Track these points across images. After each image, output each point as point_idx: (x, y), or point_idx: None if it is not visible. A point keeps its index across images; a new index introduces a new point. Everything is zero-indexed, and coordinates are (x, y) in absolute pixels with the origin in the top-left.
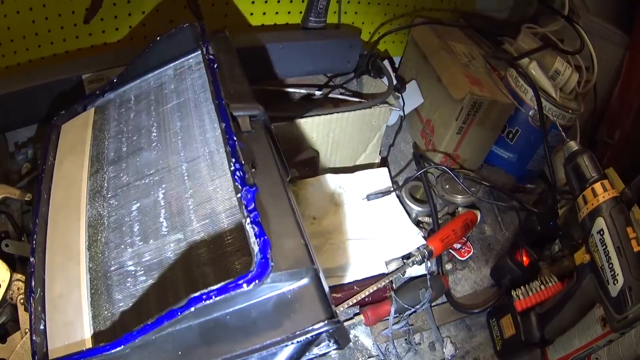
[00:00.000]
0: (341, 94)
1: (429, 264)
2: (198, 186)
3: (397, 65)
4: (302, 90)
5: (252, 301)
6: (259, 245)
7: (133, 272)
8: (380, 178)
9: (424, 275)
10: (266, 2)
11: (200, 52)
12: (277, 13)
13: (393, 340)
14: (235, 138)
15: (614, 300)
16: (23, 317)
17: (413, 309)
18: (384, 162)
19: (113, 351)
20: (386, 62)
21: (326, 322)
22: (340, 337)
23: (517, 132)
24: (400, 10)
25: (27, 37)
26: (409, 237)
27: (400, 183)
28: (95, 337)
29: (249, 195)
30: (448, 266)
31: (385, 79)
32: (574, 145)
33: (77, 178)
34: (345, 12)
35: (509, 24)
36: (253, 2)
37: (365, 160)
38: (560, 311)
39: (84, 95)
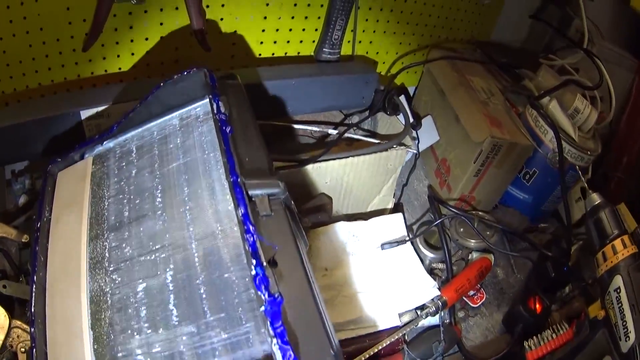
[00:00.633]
0: (354, 131)
1: (442, 314)
2: (210, 272)
3: (411, 94)
4: (315, 128)
5: None
6: None
7: None
8: (395, 225)
9: (437, 325)
10: (277, 30)
11: (208, 100)
12: (288, 42)
13: None
14: (254, 235)
15: (624, 356)
16: None
17: None
18: (397, 204)
19: None
20: (402, 98)
21: None
22: None
23: (535, 173)
24: (415, 40)
25: (24, 62)
26: (424, 288)
27: (415, 228)
28: None
29: (275, 308)
30: (460, 314)
31: (401, 116)
32: (596, 199)
33: (76, 241)
34: (360, 42)
35: (526, 53)
36: (264, 31)
37: (379, 203)
38: None
39: (82, 133)
